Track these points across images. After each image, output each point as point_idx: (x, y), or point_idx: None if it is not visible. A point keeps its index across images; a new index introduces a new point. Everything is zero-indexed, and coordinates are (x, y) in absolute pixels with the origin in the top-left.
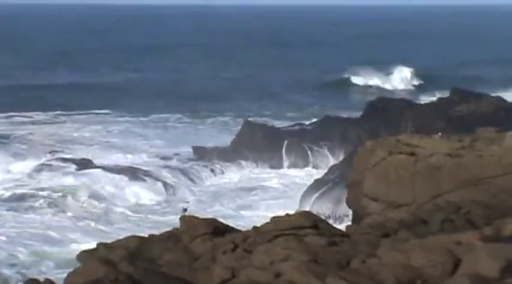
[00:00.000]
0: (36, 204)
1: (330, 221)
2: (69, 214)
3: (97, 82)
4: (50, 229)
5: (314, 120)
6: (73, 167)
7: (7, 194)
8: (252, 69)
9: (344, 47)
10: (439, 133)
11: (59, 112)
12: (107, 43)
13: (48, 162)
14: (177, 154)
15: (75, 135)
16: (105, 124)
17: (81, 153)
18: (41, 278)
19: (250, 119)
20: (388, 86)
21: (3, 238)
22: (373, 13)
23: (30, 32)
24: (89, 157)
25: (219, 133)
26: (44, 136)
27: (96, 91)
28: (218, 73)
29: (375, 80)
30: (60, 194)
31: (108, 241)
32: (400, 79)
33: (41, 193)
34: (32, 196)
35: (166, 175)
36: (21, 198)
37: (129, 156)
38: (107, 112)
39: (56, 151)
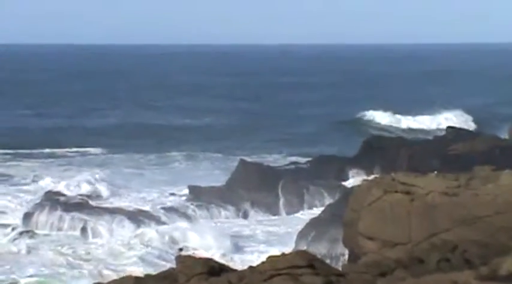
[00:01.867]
0: None
1: (327, 260)
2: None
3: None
4: None
5: (309, 159)
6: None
7: None
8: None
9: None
10: (435, 172)
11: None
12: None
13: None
14: (172, 193)
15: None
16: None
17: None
18: None
19: (245, 158)
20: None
21: None
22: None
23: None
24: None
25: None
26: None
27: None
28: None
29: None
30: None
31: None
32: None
33: None
34: None
35: (161, 214)
36: None
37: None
38: (101, 151)
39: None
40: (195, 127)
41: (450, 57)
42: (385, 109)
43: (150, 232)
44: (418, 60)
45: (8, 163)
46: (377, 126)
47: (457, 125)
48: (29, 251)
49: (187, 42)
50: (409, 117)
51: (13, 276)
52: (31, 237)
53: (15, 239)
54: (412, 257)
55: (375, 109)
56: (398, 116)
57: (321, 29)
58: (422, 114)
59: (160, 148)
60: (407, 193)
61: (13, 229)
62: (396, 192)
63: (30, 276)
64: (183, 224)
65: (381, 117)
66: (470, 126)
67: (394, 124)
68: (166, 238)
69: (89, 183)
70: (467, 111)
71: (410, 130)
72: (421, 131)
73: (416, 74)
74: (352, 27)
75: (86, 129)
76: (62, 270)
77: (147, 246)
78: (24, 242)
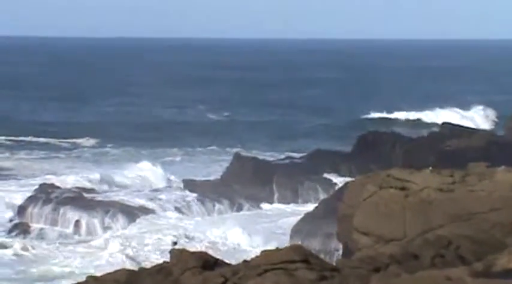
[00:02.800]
0: None
1: (321, 255)
2: None
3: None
4: None
5: (304, 153)
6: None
7: None
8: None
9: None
10: (430, 168)
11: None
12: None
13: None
14: (168, 187)
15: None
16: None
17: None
18: None
19: (240, 152)
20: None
21: None
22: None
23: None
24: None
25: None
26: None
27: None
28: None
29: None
30: None
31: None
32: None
33: None
34: None
35: (156, 207)
36: None
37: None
38: (97, 141)
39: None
40: (191, 121)
41: (474, 53)
42: (404, 106)
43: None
44: (439, 56)
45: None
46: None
47: (480, 121)
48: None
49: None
50: (428, 112)
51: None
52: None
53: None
54: (406, 253)
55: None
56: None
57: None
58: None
59: (157, 141)
60: (402, 188)
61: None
62: (391, 187)
63: None
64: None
65: (401, 115)
66: (493, 122)
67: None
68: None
69: (83, 176)
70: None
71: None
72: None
73: (433, 70)
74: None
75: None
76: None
77: None
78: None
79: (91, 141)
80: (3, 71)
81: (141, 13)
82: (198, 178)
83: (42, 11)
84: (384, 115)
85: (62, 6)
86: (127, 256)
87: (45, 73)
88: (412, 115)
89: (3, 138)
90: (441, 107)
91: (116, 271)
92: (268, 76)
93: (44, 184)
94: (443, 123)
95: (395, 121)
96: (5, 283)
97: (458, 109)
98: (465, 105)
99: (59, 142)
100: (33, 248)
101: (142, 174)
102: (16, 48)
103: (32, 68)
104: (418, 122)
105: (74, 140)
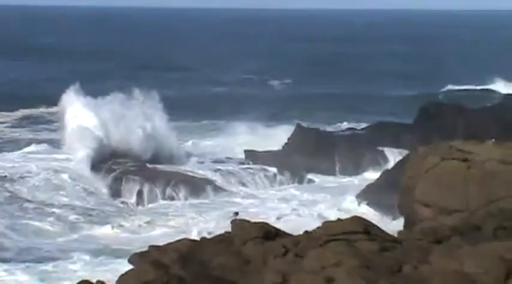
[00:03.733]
0: None
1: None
2: None
3: None
4: None
5: (366, 125)
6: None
7: None
8: None
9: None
10: (493, 140)
11: None
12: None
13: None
14: (229, 158)
15: None
16: None
17: None
18: (94, 280)
19: (301, 123)
20: None
21: None
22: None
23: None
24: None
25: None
26: None
27: None
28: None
29: None
30: None
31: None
32: None
33: None
34: None
35: (218, 178)
36: None
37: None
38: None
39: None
40: (254, 93)
41: None
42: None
43: None
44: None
45: None
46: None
47: None
48: None
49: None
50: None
51: None
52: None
53: None
54: (468, 225)
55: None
56: None
57: None
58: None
59: (219, 112)
60: (465, 160)
61: None
62: (453, 159)
63: None
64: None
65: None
66: None
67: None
68: None
69: None
70: None
71: None
72: None
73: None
74: None
75: None
76: None
77: None
78: None
79: None
80: None
81: None
82: (259, 149)
83: None
84: (449, 87)
85: None
86: (188, 225)
87: None
88: (475, 86)
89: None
90: (507, 79)
91: (178, 241)
92: (336, 48)
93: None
94: (507, 95)
95: (458, 92)
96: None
97: None
98: None
99: None
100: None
101: (203, 144)
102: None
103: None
104: (481, 93)
105: None
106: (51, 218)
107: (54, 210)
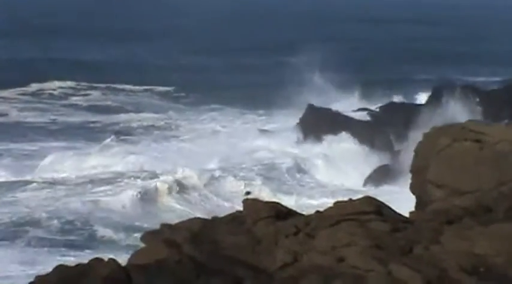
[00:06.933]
0: None
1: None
2: None
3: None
4: None
5: (379, 105)
6: None
7: None
8: None
9: None
10: (506, 121)
11: None
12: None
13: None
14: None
15: None
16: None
17: None
18: (106, 258)
19: (313, 104)
20: None
21: None
22: None
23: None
24: None
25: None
26: None
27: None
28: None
29: None
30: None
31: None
32: None
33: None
34: None
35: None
36: None
37: None
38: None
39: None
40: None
41: None
42: None
43: None
44: None
45: None
46: None
47: None
48: None
49: None
50: None
51: None
52: None
53: None
54: (480, 206)
55: None
56: None
57: None
58: None
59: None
60: (477, 141)
61: None
62: (465, 140)
63: None
64: None
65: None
66: None
67: None
68: None
69: None
70: None
71: None
72: None
73: None
74: None
75: None
76: None
77: None
78: None
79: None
80: None
81: None
82: (271, 128)
83: None
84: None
85: None
86: (200, 204)
87: None
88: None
89: None
90: None
91: (190, 219)
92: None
93: None
94: None
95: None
96: None
97: None
98: None
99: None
100: None
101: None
102: None
103: None
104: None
105: None
106: None
107: None
